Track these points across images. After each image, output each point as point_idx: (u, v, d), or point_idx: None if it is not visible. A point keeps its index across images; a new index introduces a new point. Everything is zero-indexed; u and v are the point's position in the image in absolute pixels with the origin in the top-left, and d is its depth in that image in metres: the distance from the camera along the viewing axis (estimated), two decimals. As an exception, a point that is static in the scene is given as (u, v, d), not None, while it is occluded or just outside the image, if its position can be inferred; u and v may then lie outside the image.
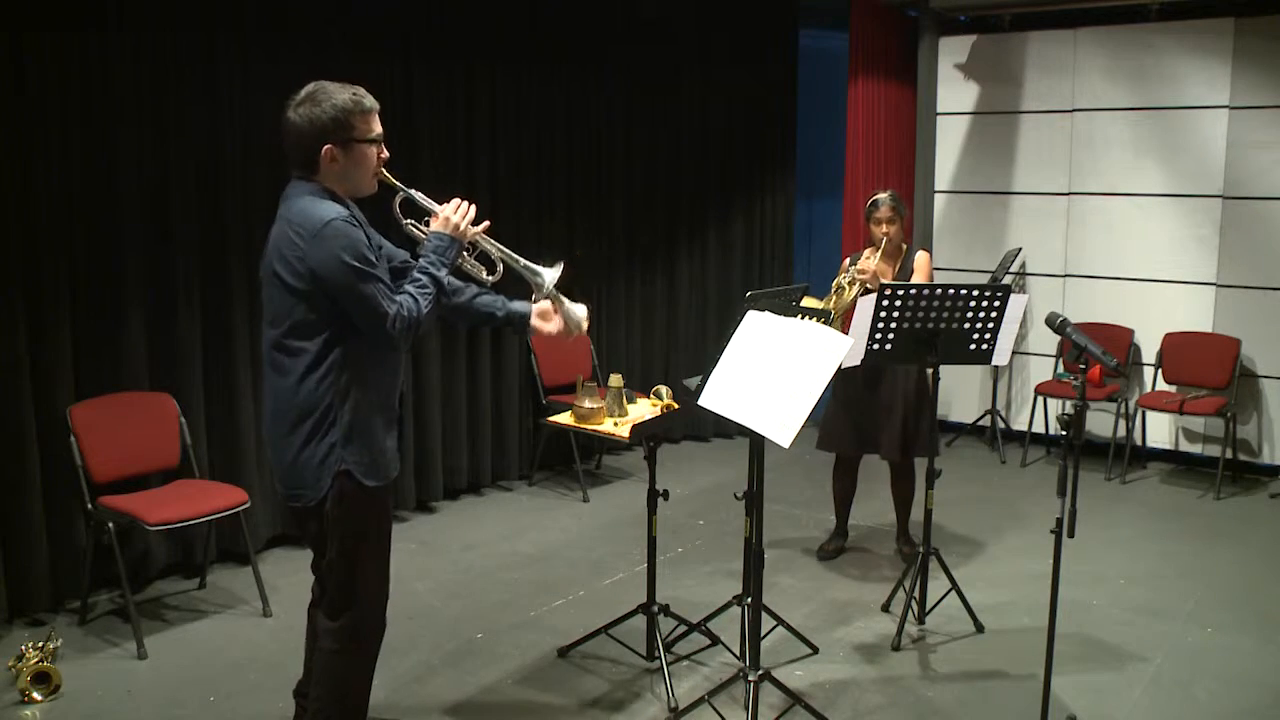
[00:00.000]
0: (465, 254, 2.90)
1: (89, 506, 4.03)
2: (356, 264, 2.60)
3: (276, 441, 2.77)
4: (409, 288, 2.72)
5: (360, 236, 2.65)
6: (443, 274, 2.77)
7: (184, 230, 4.40)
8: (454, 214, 2.79)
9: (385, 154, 2.78)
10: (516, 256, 2.94)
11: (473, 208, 2.83)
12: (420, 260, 2.78)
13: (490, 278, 2.97)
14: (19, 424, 3.96)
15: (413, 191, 2.85)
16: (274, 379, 2.74)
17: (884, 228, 4.52)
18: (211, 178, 4.49)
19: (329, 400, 2.69)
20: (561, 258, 3.05)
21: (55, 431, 4.05)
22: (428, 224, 2.85)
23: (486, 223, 2.88)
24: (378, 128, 2.74)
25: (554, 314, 3.03)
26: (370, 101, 2.72)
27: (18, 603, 4.05)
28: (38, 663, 3.53)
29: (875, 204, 4.56)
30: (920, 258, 4.64)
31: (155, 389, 4.36)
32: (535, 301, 3.01)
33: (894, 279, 4.50)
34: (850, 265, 4.59)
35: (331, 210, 2.64)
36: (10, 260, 3.91)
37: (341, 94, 2.68)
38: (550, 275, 2.93)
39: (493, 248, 2.92)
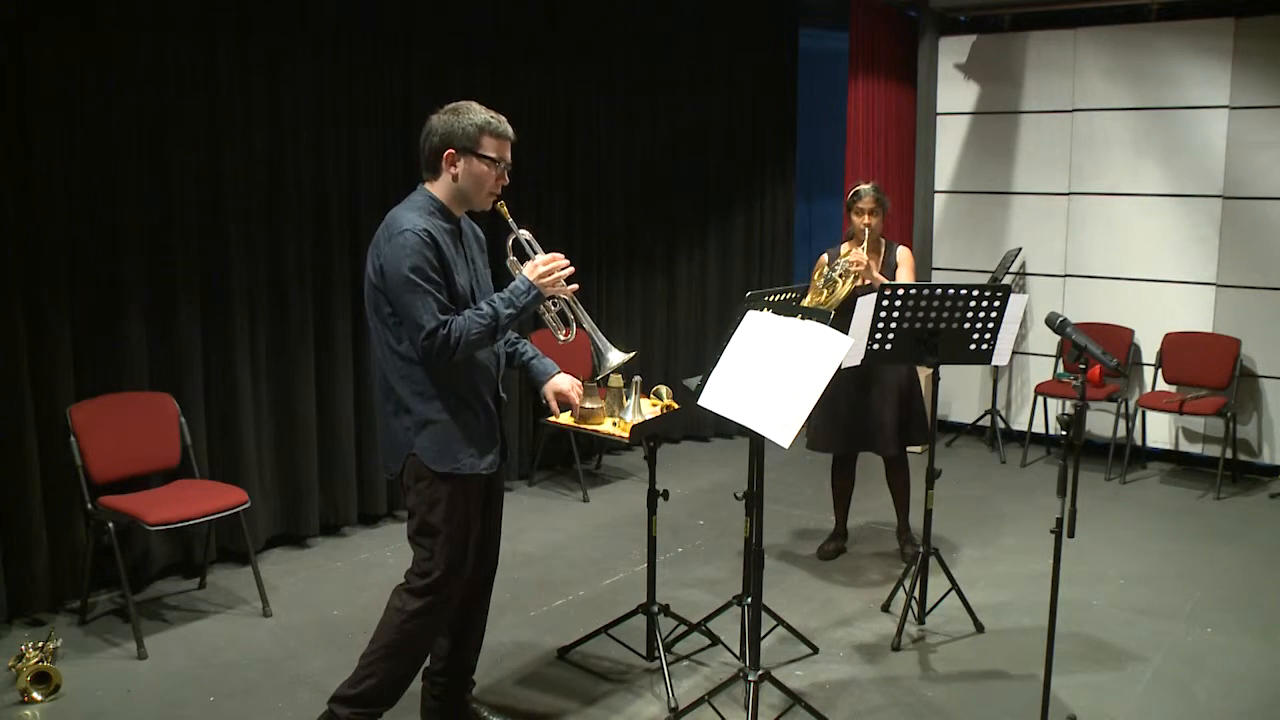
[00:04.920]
0: (549, 307, 3.06)
1: (89, 506, 4.03)
2: (411, 275, 2.77)
3: (376, 416, 3.10)
4: (468, 312, 2.85)
5: (426, 252, 2.78)
6: (506, 312, 2.86)
7: (184, 230, 4.40)
8: (543, 265, 2.91)
9: (505, 180, 2.95)
10: (595, 328, 3.07)
11: (569, 269, 2.94)
12: (496, 294, 2.91)
13: (563, 337, 3.11)
14: (19, 424, 3.96)
15: (523, 233, 3.04)
16: (376, 360, 2.98)
17: (866, 219, 4.50)
18: (212, 178, 4.49)
19: (403, 389, 2.90)
20: (635, 349, 3.26)
21: (55, 431, 4.05)
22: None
23: (576, 286, 3.01)
24: (503, 154, 2.91)
25: (576, 399, 3.26)
26: (505, 129, 2.91)
27: (18, 603, 4.05)
28: (38, 663, 3.53)
29: (858, 194, 4.52)
30: (903, 253, 4.63)
31: (155, 389, 4.36)
32: (597, 375, 3.19)
33: (878, 273, 4.48)
34: (829, 260, 4.56)
35: (415, 221, 2.82)
36: (10, 260, 3.91)
37: (482, 114, 2.89)
38: (616, 358, 3.07)
39: (577, 311, 3.06)
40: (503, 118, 2.92)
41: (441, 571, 2.95)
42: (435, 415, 2.89)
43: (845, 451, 4.75)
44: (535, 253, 3.00)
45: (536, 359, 3.25)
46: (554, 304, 3.08)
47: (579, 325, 3.10)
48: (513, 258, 3.04)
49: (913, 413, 4.58)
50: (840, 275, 4.39)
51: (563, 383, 3.24)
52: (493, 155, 2.88)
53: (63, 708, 3.49)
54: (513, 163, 3.00)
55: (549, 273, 2.90)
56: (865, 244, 4.47)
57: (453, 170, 2.88)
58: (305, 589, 4.48)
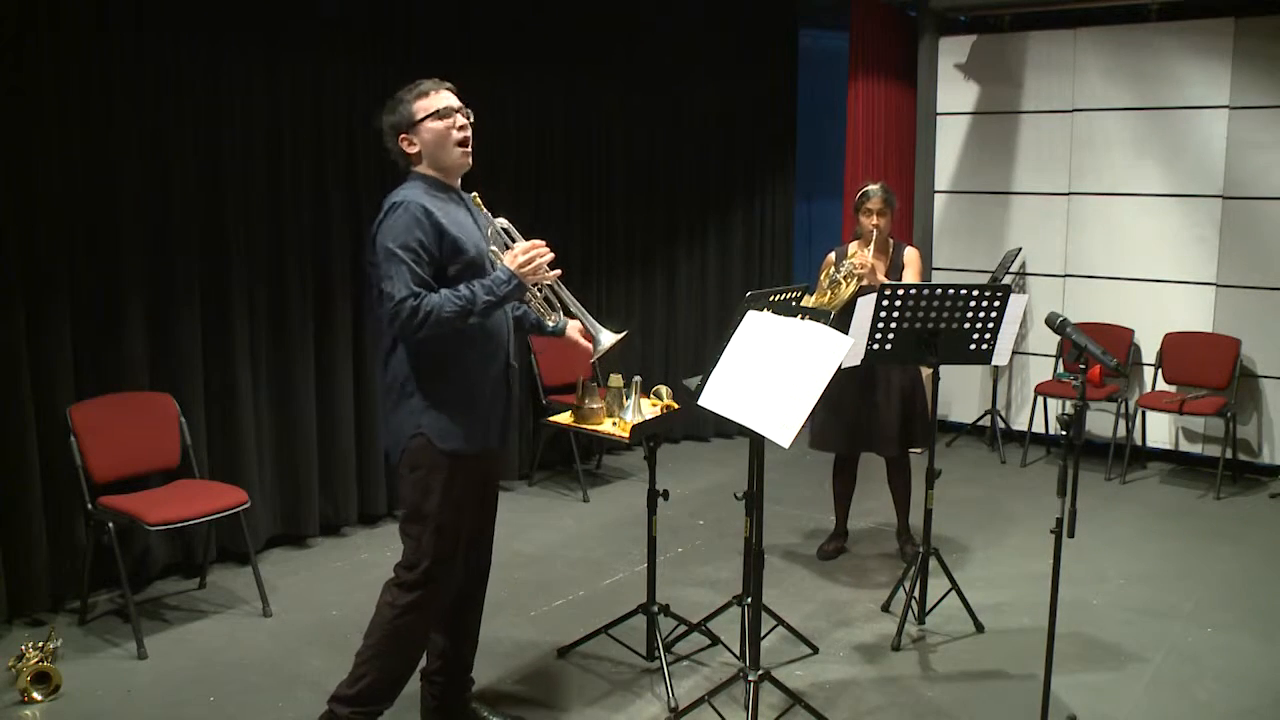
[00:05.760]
0: (534, 294, 3.02)
1: (89, 506, 4.02)
2: (391, 245, 2.79)
3: (379, 405, 3.02)
4: (446, 290, 2.82)
5: (415, 228, 2.79)
6: (484, 299, 2.83)
7: (184, 230, 4.40)
8: (522, 255, 2.88)
9: (465, 122, 2.95)
10: (584, 311, 3.04)
11: (549, 255, 2.91)
12: (478, 280, 2.87)
13: (551, 323, 3.10)
14: (19, 424, 3.96)
15: (500, 221, 3.02)
16: (383, 348, 2.98)
17: (874, 219, 4.48)
18: (211, 178, 4.49)
19: (408, 370, 2.90)
20: (623, 328, 3.24)
21: (55, 431, 4.05)
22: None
23: (558, 271, 2.97)
24: (439, 103, 2.91)
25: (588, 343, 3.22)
26: (427, 85, 2.94)
27: (18, 603, 4.04)
28: (38, 663, 3.53)
29: (866, 195, 4.50)
30: (910, 253, 4.62)
31: (155, 389, 4.36)
32: (592, 359, 3.20)
33: (885, 274, 4.48)
34: (836, 260, 4.56)
35: (409, 195, 2.85)
36: (10, 260, 3.91)
37: (405, 92, 2.94)
38: (608, 339, 3.05)
39: (563, 295, 3.03)
40: (428, 79, 2.95)
41: (430, 562, 2.94)
42: (445, 393, 2.90)
43: (848, 451, 4.74)
44: (515, 240, 2.98)
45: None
46: (539, 290, 3.06)
47: (566, 310, 3.07)
48: (493, 247, 3.00)
49: (915, 414, 4.57)
50: (845, 276, 4.38)
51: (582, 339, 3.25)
52: (434, 108, 2.90)
53: (63, 708, 3.49)
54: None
55: (529, 261, 2.87)
56: (873, 245, 4.46)
57: (413, 149, 2.93)
58: (305, 589, 4.48)
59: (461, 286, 2.84)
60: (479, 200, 2.98)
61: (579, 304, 3.04)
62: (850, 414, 4.57)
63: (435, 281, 2.85)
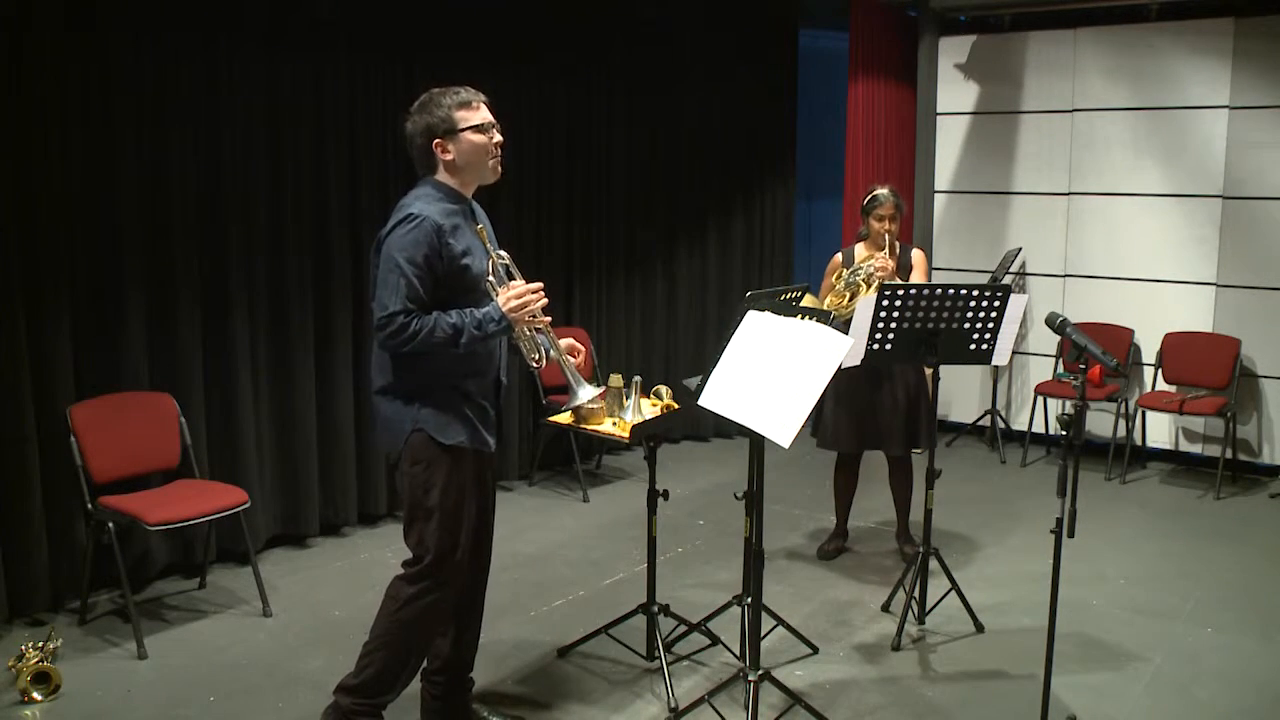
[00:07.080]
0: (525, 332, 2.98)
1: (89, 506, 4.02)
2: (398, 256, 2.80)
3: (372, 401, 3.07)
4: (439, 314, 2.84)
5: (424, 244, 2.79)
6: (473, 333, 2.84)
7: (184, 230, 4.40)
8: (515, 299, 2.88)
9: (496, 138, 2.96)
10: (567, 361, 3.05)
11: (542, 300, 2.92)
12: (473, 310, 2.88)
13: (535, 363, 3.04)
14: (19, 424, 3.96)
15: (500, 255, 2.98)
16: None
17: (886, 224, 4.49)
18: (212, 178, 4.49)
19: (404, 369, 2.92)
20: (603, 384, 3.34)
21: (55, 431, 4.05)
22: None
23: (549, 319, 2.99)
24: (480, 117, 2.94)
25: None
26: (468, 94, 2.95)
27: (18, 603, 4.04)
28: (38, 663, 3.53)
29: (876, 199, 4.51)
30: (917, 255, 4.64)
31: (155, 389, 4.36)
32: (566, 407, 3.26)
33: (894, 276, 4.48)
34: (844, 263, 4.57)
35: (424, 208, 2.84)
36: (10, 260, 3.91)
37: (445, 96, 2.93)
38: (586, 393, 3.03)
39: (549, 342, 3.03)
40: (464, 87, 2.96)
41: (433, 555, 2.96)
42: (442, 393, 2.92)
43: (855, 449, 4.75)
44: (513, 277, 2.96)
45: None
46: (527, 330, 3.03)
47: (547, 356, 3.05)
48: (490, 279, 2.97)
49: (922, 414, 4.57)
50: (865, 279, 4.38)
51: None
52: (476, 122, 2.92)
53: (63, 708, 3.49)
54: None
55: (521, 305, 2.88)
56: (886, 249, 4.47)
57: (447, 156, 2.92)
58: (305, 589, 4.48)
59: (453, 314, 2.85)
60: (483, 234, 2.96)
61: (563, 351, 3.05)
62: (859, 412, 4.57)
63: (438, 293, 2.86)
